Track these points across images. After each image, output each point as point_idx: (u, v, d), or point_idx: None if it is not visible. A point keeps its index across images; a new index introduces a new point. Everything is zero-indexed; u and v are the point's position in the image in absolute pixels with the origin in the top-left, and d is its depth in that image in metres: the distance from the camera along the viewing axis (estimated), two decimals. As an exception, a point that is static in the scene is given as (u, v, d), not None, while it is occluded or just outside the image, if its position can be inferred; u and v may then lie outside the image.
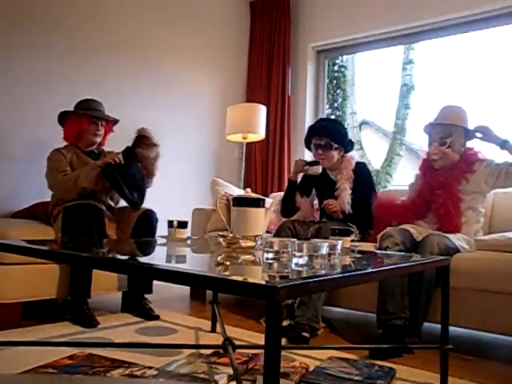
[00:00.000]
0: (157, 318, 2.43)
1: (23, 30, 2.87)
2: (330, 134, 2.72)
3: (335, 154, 2.73)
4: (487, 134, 2.38)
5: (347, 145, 2.79)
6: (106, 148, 2.78)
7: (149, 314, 2.44)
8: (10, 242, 1.44)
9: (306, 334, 2.13)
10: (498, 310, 2.03)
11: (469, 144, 2.50)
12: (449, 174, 2.42)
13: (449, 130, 2.41)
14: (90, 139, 2.63)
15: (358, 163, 2.77)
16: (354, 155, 2.85)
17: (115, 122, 2.75)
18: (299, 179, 2.90)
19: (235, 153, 4.26)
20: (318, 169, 2.66)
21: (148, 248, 1.78)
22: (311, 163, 2.69)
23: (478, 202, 2.42)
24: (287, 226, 2.58)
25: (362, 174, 2.73)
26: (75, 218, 2.31)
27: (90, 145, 2.66)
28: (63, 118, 2.62)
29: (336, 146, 2.72)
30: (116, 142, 2.71)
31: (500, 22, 3.36)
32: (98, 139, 2.67)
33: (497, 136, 2.34)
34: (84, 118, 2.58)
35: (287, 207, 2.84)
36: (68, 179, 2.44)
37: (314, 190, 2.89)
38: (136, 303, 2.52)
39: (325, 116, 4.32)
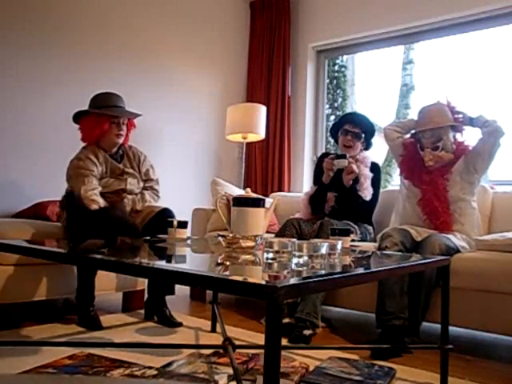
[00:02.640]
0: (180, 324, 2.30)
1: (22, 28, 2.87)
2: (364, 126, 2.83)
3: (359, 147, 2.83)
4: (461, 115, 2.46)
5: (369, 143, 2.90)
6: (156, 165, 2.66)
7: (169, 321, 2.31)
8: (10, 242, 1.44)
9: (307, 332, 2.14)
10: (498, 310, 2.03)
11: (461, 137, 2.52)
12: (436, 171, 2.43)
13: (438, 133, 2.41)
14: (113, 141, 2.41)
15: (373, 163, 2.83)
16: (369, 155, 2.90)
17: (137, 116, 2.51)
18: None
19: (235, 153, 4.26)
20: (345, 162, 2.66)
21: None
22: (338, 156, 2.70)
23: (466, 189, 2.42)
24: (291, 223, 2.57)
25: (375, 175, 2.78)
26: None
27: (112, 147, 2.44)
28: (79, 117, 2.40)
29: (363, 139, 2.83)
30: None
31: (500, 21, 3.36)
32: (121, 140, 2.44)
33: (466, 116, 2.44)
34: (104, 119, 2.33)
35: (318, 206, 2.82)
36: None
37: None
38: (157, 309, 2.39)
39: (325, 116, 4.33)
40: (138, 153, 2.59)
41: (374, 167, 2.81)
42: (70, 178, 2.31)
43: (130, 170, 2.50)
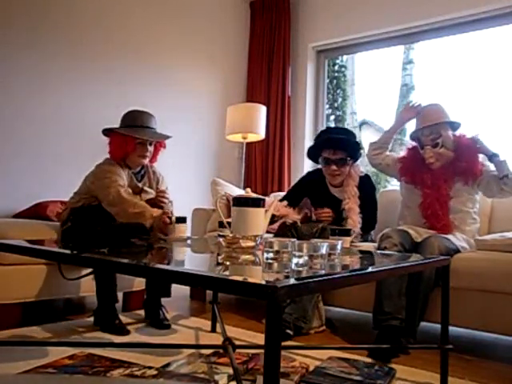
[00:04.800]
0: (168, 327, 2.26)
1: (21, 27, 2.87)
2: (347, 148, 2.52)
3: (347, 168, 2.58)
4: (480, 144, 2.40)
5: (357, 155, 2.64)
6: (156, 165, 2.60)
7: (161, 324, 2.28)
8: (10, 242, 1.44)
9: (289, 332, 2.15)
10: (498, 310, 2.03)
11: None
12: (440, 173, 2.43)
13: (436, 129, 2.41)
14: (137, 161, 2.40)
15: (361, 178, 2.63)
16: (358, 168, 2.67)
17: (166, 138, 2.50)
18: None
19: (235, 153, 4.26)
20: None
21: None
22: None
23: (467, 201, 2.41)
24: (287, 226, 2.55)
25: (366, 189, 2.62)
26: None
27: (136, 166, 2.44)
28: (108, 132, 2.41)
29: (351, 160, 2.58)
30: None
31: (500, 21, 3.36)
32: (146, 160, 2.42)
33: (487, 148, 2.37)
34: (129, 139, 2.31)
35: None
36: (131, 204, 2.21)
37: (305, 199, 2.79)
38: (153, 311, 2.36)
39: (325, 116, 4.32)
40: (158, 174, 2.59)
41: (362, 181, 2.61)
42: (101, 179, 2.28)
43: (149, 189, 2.49)
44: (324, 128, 2.98)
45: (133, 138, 2.32)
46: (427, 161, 2.43)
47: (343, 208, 2.57)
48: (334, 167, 2.55)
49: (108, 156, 2.41)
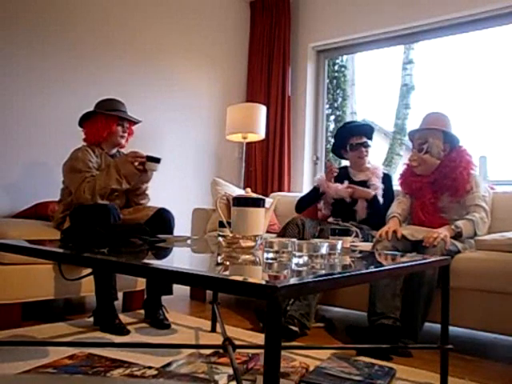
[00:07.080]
0: (168, 326, 2.28)
1: (22, 28, 2.87)
2: (368, 133, 2.91)
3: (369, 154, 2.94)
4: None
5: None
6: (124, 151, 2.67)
7: (161, 324, 2.30)
8: (10, 242, 1.44)
9: (295, 328, 2.15)
10: (498, 310, 2.03)
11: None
12: (427, 183, 2.45)
13: (425, 135, 2.45)
14: (117, 141, 2.53)
15: (385, 174, 2.91)
16: (380, 166, 2.97)
17: (136, 123, 2.65)
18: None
19: (235, 153, 4.26)
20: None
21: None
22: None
23: (462, 214, 2.38)
24: (295, 223, 2.54)
25: (388, 187, 2.86)
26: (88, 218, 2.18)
27: (114, 147, 2.56)
28: (86, 118, 2.51)
29: (371, 145, 2.94)
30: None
31: (500, 21, 3.36)
32: (123, 141, 2.57)
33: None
34: (112, 119, 2.48)
35: (304, 206, 2.97)
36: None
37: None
38: (153, 311, 2.38)
39: (325, 116, 4.32)
40: None
41: (385, 178, 2.89)
42: (68, 172, 2.38)
43: None
44: (342, 124, 3.29)
45: (116, 118, 2.48)
46: (410, 163, 2.51)
47: (370, 184, 2.83)
48: (362, 149, 2.89)
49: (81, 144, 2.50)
